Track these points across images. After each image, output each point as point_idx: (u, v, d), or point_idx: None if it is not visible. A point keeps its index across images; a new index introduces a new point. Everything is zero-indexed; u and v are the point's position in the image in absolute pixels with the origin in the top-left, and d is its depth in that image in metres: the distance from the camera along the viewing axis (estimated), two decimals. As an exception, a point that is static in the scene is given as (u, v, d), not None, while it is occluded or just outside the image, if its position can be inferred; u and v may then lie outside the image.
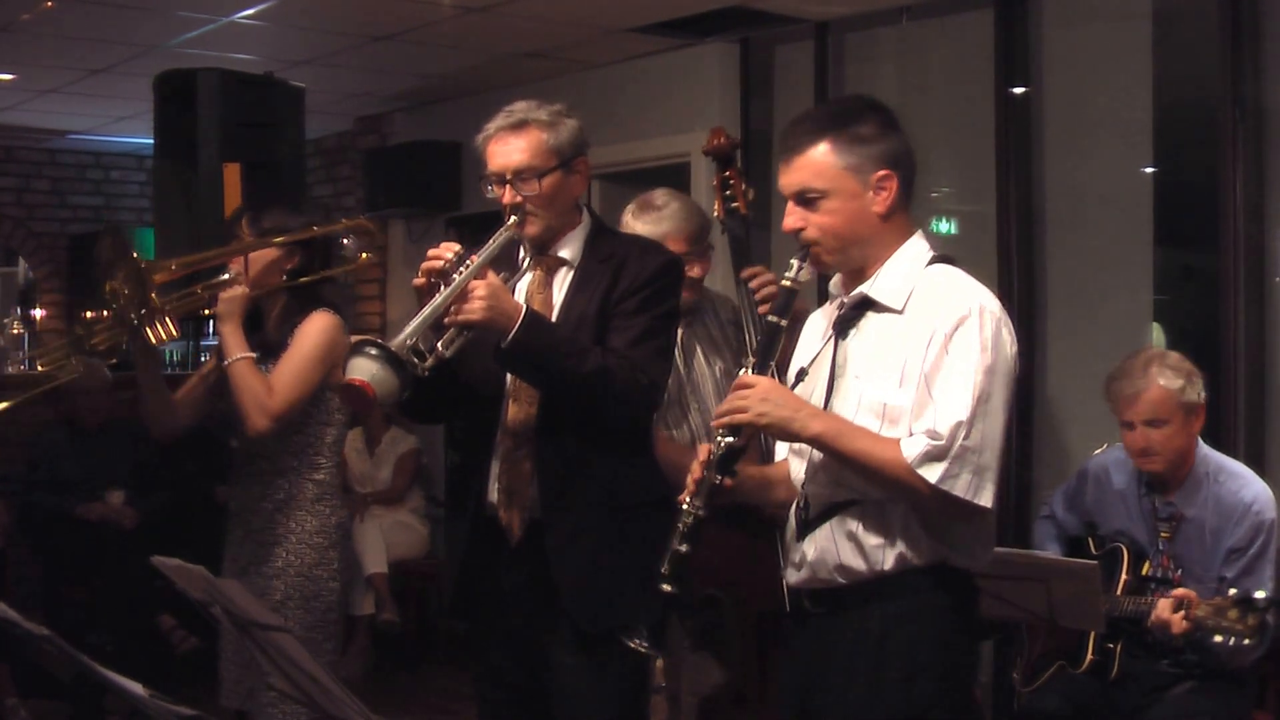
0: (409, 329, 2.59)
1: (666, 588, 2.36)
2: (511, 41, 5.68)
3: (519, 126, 2.82)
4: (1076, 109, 4.79)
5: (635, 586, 2.83)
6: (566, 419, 2.79)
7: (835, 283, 2.51)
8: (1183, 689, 3.36)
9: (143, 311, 3.18)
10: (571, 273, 2.89)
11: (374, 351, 2.53)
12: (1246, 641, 3.10)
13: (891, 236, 2.40)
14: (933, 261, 2.41)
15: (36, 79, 6.44)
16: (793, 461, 2.51)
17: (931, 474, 2.23)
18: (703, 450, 2.41)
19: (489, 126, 2.85)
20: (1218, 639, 3.12)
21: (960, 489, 2.23)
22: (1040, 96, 4.86)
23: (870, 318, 2.40)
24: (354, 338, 2.92)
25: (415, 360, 2.58)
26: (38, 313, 8.82)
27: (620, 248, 2.91)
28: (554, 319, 2.85)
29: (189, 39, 5.55)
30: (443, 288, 2.64)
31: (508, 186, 2.81)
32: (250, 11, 5.17)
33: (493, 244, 2.74)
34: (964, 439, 2.22)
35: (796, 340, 2.60)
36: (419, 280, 2.69)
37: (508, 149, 2.81)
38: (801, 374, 2.48)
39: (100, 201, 8.63)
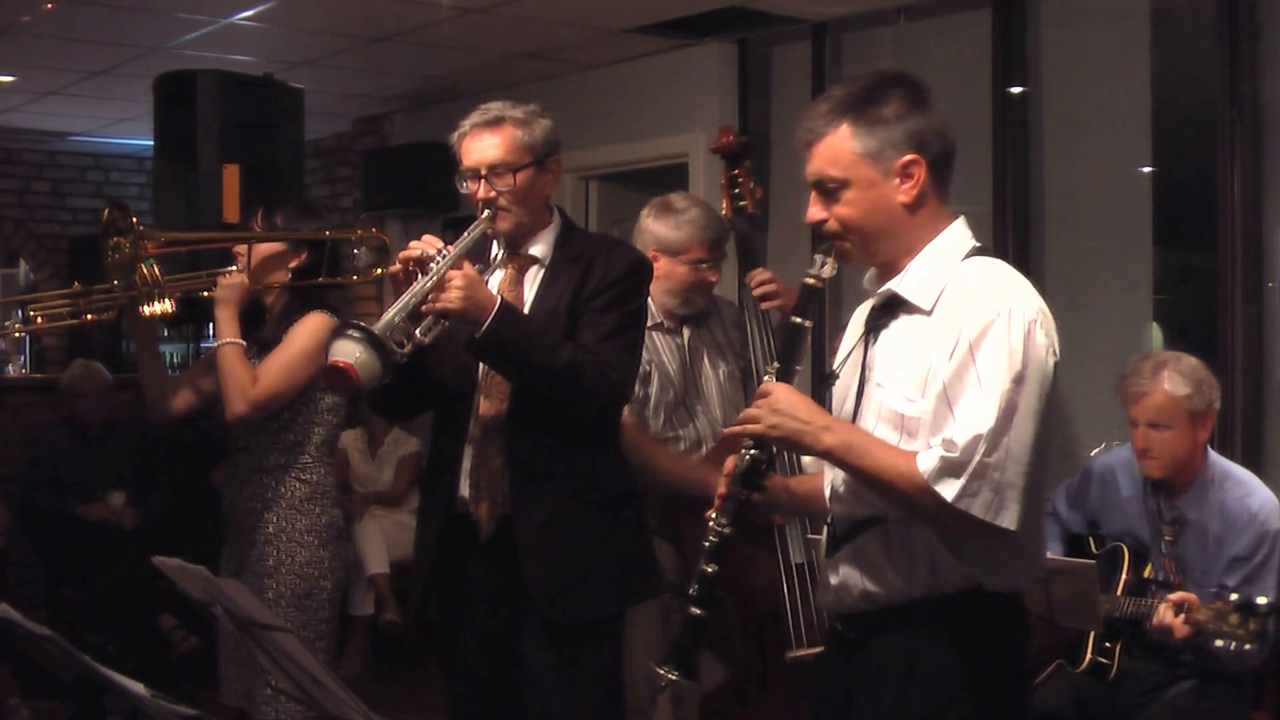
0: (389, 314, 2.61)
1: (696, 611, 2.24)
2: (510, 42, 5.67)
3: (494, 123, 2.87)
4: (1074, 109, 4.79)
5: (604, 580, 2.88)
6: (537, 413, 2.82)
7: (869, 277, 2.31)
8: (1181, 689, 3.36)
9: (136, 279, 3.20)
10: (542, 271, 2.93)
11: (357, 334, 2.53)
12: (1247, 647, 3.09)
13: (922, 227, 2.19)
14: (970, 254, 2.20)
15: (37, 81, 6.43)
16: (826, 473, 2.31)
17: (947, 490, 2.03)
18: (729, 463, 2.27)
19: (464, 123, 2.90)
20: (1219, 643, 3.11)
21: (979, 509, 2.03)
22: (1038, 96, 4.86)
23: (900, 318, 2.21)
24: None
25: (395, 347, 2.59)
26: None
27: (589, 246, 2.96)
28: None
29: (188, 40, 5.55)
30: (419, 276, 2.67)
31: (482, 181, 2.86)
32: (249, 13, 5.17)
33: (468, 236, 2.78)
34: (983, 454, 2.02)
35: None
36: (395, 268, 2.72)
37: (483, 145, 2.86)
38: (830, 378, 2.33)
39: (100, 203, 8.61)
